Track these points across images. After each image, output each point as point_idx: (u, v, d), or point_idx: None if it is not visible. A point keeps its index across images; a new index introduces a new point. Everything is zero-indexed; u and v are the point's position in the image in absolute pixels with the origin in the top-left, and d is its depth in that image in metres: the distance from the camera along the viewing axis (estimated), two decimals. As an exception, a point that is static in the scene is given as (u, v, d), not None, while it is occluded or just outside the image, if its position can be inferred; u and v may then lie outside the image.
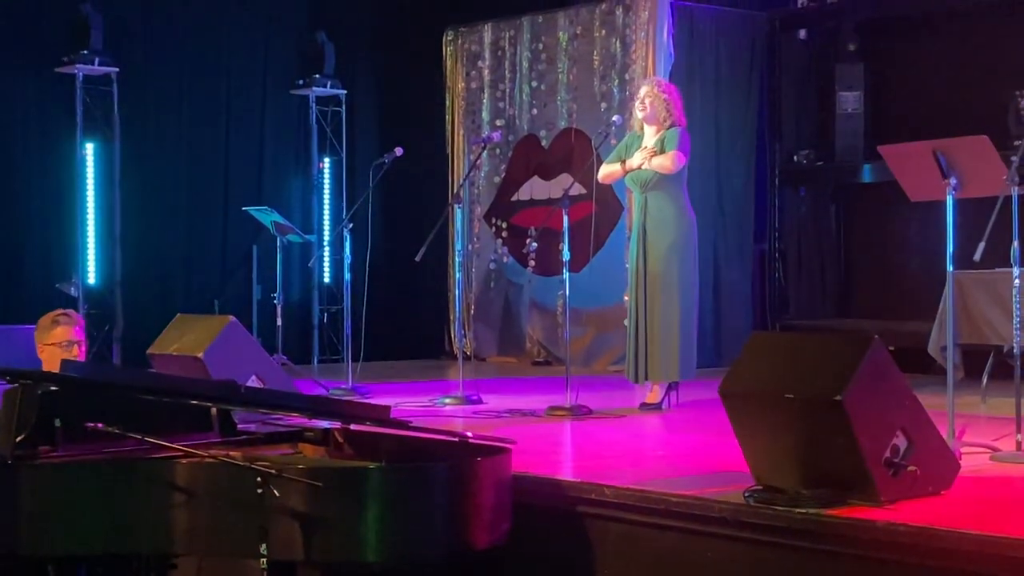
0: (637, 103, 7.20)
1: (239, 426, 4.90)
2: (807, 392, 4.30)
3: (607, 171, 7.26)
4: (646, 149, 7.07)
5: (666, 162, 6.98)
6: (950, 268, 5.41)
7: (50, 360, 5.36)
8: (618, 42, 9.85)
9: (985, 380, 7.17)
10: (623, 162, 7.17)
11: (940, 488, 4.43)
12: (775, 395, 4.40)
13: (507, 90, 10.72)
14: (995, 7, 9.12)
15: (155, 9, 10.78)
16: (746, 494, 4.38)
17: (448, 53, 11.18)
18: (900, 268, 9.98)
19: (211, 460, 4.15)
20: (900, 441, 4.28)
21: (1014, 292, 5.32)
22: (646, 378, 7.12)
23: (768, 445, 4.49)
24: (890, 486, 4.23)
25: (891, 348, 4.50)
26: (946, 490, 4.45)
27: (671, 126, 7.10)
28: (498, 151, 10.70)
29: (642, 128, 7.19)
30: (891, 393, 4.32)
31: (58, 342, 5.40)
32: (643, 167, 7.04)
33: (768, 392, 4.44)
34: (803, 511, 4.17)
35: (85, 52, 9.97)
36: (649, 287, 7.08)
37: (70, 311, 5.65)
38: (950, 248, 5.35)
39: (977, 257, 5.07)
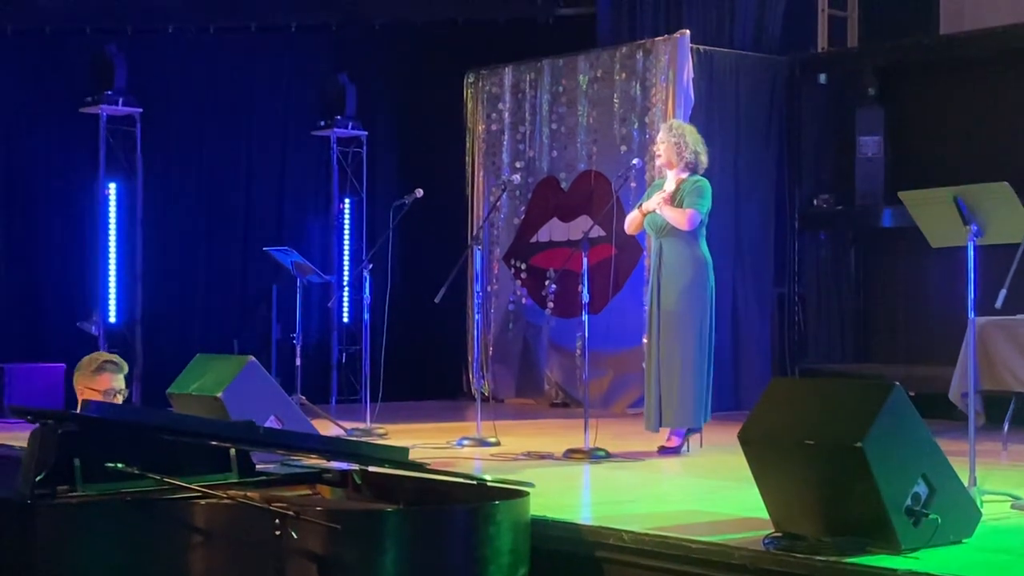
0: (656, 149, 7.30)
1: (257, 467, 4.90)
2: (827, 438, 4.28)
3: (629, 219, 7.29)
4: (663, 192, 7.09)
5: (680, 218, 6.99)
6: (972, 315, 5.39)
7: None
8: (638, 85, 9.88)
9: (1006, 427, 7.14)
10: (640, 207, 7.20)
11: (961, 536, 4.39)
12: (795, 441, 4.38)
13: (527, 132, 10.76)
14: (1016, 52, 9.13)
15: (178, 50, 10.89)
16: (766, 541, 4.35)
17: (469, 95, 11.24)
18: (921, 313, 9.95)
19: (229, 501, 4.14)
20: (921, 488, 4.25)
21: (1035, 339, 5.30)
22: (661, 424, 7.10)
23: (788, 491, 4.46)
24: (911, 534, 4.20)
25: (912, 394, 4.49)
26: (967, 538, 4.41)
27: (685, 167, 7.11)
28: (518, 193, 10.73)
29: (663, 172, 7.24)
30: (912, 439, 4.29)
31: (102, 389, 5.33)
32: (657, 211, 7.05)
33: (788, 438, 4.42)
34: (823, 559, 4.14)
35: (109, 92, 10.07)
36: (663, 330, 7.07)
37: (116, 358, 5.54)
38: (971, 295, 5.33)
39: (999, 304, 5.06)
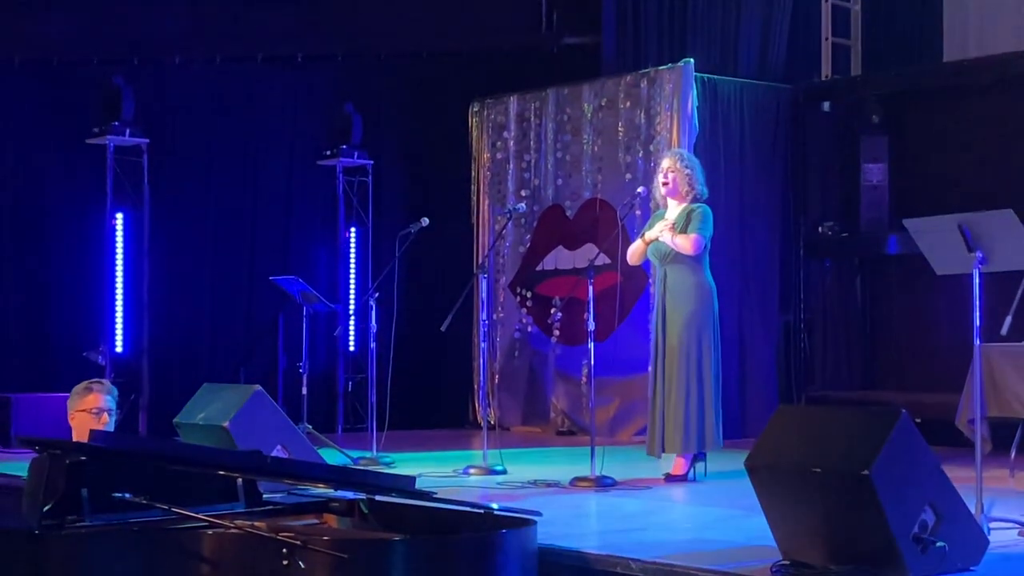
0: (659, 176, 7.23)
1: (264, 496, 4.90)
2: (834, 466, 4.28)
3: (631, 250, 7.29)
4: (666, 221, 7.11)
5: (685, 244, 7.01)
6: (977, 342, 5.39)
7: (80, 427, 5.38)
8: (643, 114, 9.92)
9: (1013, 454, 7.13)
10: (642, 237, 7.22)
11: (969, 564, 4.39)
12: (802, 469, 4.38)
13: (532, 160, 10.80)
14: (1020, 78, 9.15)
15: (185, 80, 10.94)
16: (773, 569, 4.35)
17: (474, 124, 11.28)
18: (926, 340, 9.94)
19: (237, 531, 4.15)
20: (928, 516, 4.25)
21: (1042, 366, 5.30)
22: (663, 451, 7.10)
23: (795, 519, 4.46)
24: (918, 562, 4.20)
25: (918, 420, 4.49)
26: (975, 566, 4.41)
27: (694, 199, 7.14)
28: (523, 221, 10.75)
29: (666, 202, 7.23)
30: (919, 467, 4.29)
31: (88, 409, 5.42)
32: (661, 239, 7.07)
33: (795, 466, 4.42)
34: (831, 587, 4.14)
35: (116, 123, 10.09)
36: (668, 359, 7.08)
37: (104, 380, 5.67)
38: (976, 322, 5.34)
39: (1004, 331, 5.07)
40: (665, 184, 7.17)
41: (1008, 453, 7.12)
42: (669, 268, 7.12)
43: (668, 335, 7.09)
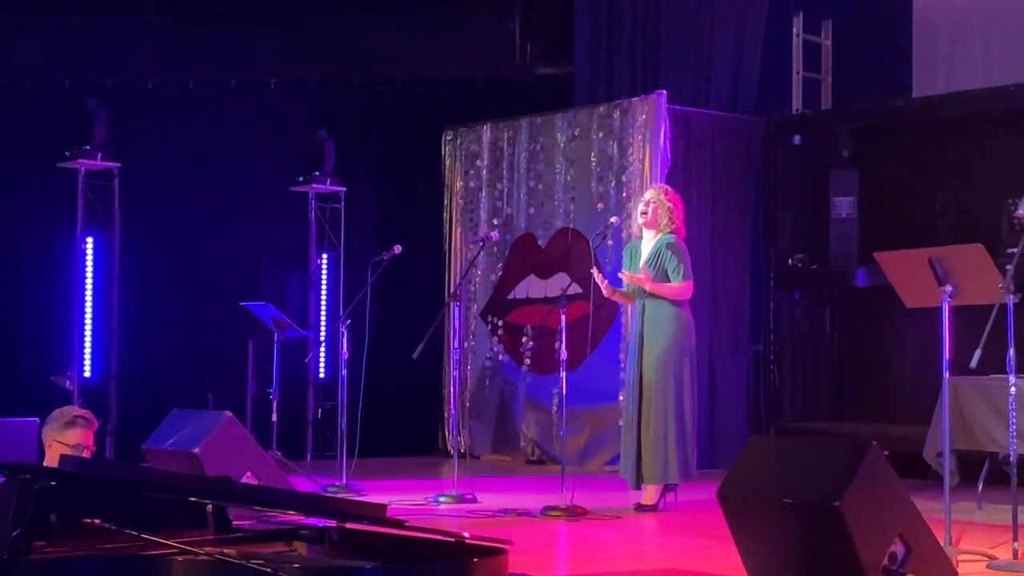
0: (640, 206, 7.33)
1: (234, 523, 4.87)
2: (805, 497, 4.30)
3: (621, 302, 7.43)
4: (628, 273, 7.21)
5: (684, 290, 7.12)
6: (946, 375, 5.43)
7: (54, 457, 5.31)
8: (615, 144, 9.96)
9: (981, 487, 7.17)
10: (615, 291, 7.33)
11: (938, 596, 4.41)
12: (773, 500, 4.39)
13: (505, 189, 10.82)
14: (988, 115, 9.25)
15: (158, 105, 10.92)
16: (743, 599, 4.35)
17: (447, 152, 11.31)
18: (895, 373, 10.00)
19: (206, 557, 4.12)
20: (898, 548, 4.27)
21: (1009, 399, 5.34)
22: (642, 480, 7.11)
23: (766, 550, 4.47)
24: (888, 593, 4.21)
25: (886, 453, 4.50)
26: (944, 598, 4.43)
27: (672, 233, 7.20)
28: (495, 250, 10.77)
29: (641, 232, 7.30)
30: (888, 499, 4.31)
31: (70, 444, 5.33)
32: (642, 281, 7.13)
33: (766, 497, 4.43)
34: (801, 617, 4.14)
35: (88, 147, 10.06)
36: (646, 391, 7.11)
37: (88, 414, 5.56)
38: (945, 355, 5.38)
39: (973, 364, 5.10)
40: (644, 214, 7.27)
41: (975, 486, 7.16)
42: (648, 301, 7.19)
43: (645, 368, 7.13)
